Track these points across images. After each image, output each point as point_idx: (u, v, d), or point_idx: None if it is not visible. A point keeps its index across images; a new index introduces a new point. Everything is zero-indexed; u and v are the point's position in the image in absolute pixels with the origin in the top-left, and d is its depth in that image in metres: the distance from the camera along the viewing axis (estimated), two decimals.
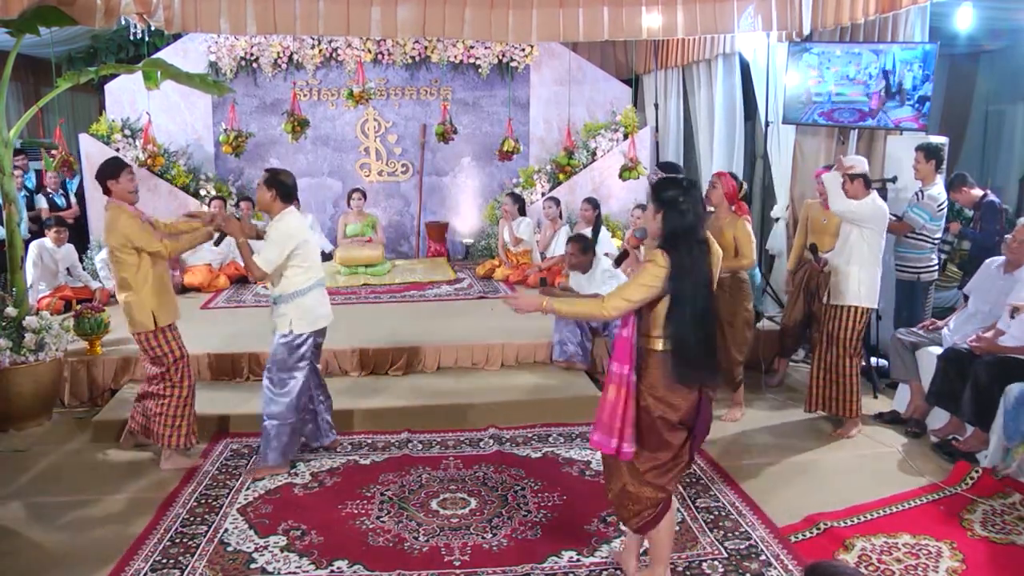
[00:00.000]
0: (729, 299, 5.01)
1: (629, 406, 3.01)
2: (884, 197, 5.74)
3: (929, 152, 5.53)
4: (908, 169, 5.74)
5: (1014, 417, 4.03)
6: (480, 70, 9.34)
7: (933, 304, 5.89)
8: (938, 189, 5.57)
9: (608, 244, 7.60)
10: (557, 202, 8.05)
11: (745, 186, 5.09)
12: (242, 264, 8.07)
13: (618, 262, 3.56)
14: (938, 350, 4.81)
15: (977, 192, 5.96)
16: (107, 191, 4.27)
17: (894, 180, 5.88)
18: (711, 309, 2.98)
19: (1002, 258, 4.81)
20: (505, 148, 8.74)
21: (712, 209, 5.06)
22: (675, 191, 2.98)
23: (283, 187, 4.26)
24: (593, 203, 7.55)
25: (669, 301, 2.93)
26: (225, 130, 8.51)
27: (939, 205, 5.53)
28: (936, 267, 5.74)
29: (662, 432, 3.01)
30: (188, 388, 4.44)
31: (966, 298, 5.17)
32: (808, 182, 6.56)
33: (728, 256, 4.90)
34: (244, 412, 5.01)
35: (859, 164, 4.77)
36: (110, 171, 4.26)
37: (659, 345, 2.98)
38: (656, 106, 9.39)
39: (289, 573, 3.38)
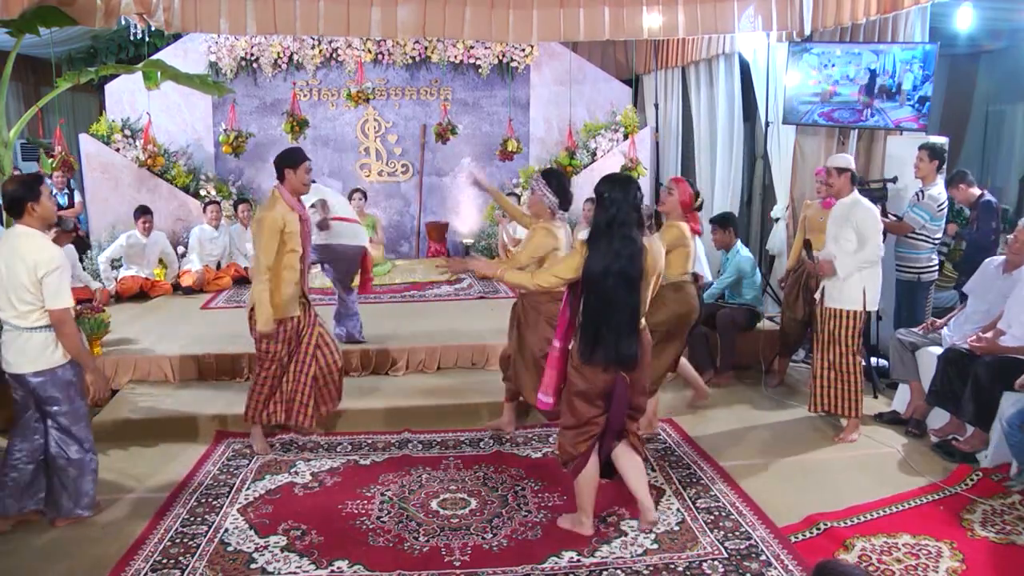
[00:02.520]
0: (662, 307, 4.51)
1: (559, 371, 3.55)
2: (884, 197, 5.75)
3: (933, 152, 5.53)
4: (909, 169, 5.74)
5: (1016, 442, 4.02)
6: (480, 70, 9.34)
7: (933, 304, 5.89)
8: (938, 189, 5.57)
9: None
10: None
11: (701, 198, 4.74)
12: (243, 265, 8.10)
13: None
14: (938, 350, 4.81)
15: (975, 191, 5.96)
16: (281, 177, 4.40)
17: (894, 180, 5.89)
18: (624, 301, 3.28)
19: (1001, 258, 4.81)
20: (508, 148, 8.73)
21: (666, 214, 4.72)
22: (604, 187, 3.31)
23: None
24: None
25: (581, 285, 3.31)
26: (225, 130, 8.52)
27: (939, 205, 5.53)
28: (936, 267, 5.74)
29: (573, 400, 3.45)
30: (271, 373, 4.52)
31: (964, 298, 5.16)
32: (808, 182, 6.57)
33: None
34: None
35: (846, 160, 4.78)
36: (291, 160, 4.39)
37: None
38: (656, 106, 9.40)
39: (289, 573, 3.37)
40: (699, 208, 4.74)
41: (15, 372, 3.61)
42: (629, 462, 3.62)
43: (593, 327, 3.31)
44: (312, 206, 5.62)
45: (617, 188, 3.24)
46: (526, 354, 4.43)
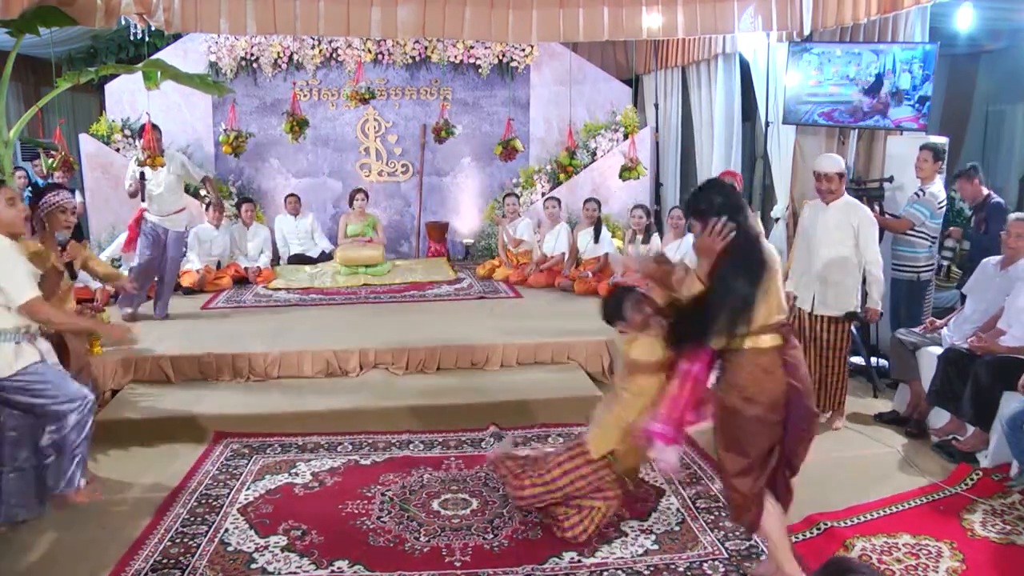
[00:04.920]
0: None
1: (692, 398, 3.08)
2: (881, 196, 5.74)
3: (936, 153, 5.57)
4: (908, 169, 5.74)
5: (1016, 442, 4.01)
6: (480, 70, 9.34)
7: (933, 304, 5.89)
8: (938, 187, 5.59)
9: (609, 242, 7.68)
10: (559, 201, 8.09)
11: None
12: (243, 265, 8.10)
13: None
14: (938, 350, 4.81)
15: (984, 189, 5.92)
16: None
17: (891, 180, 5.88)
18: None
19: (999, 257, 4.82)
20: (515, 146, 8.68)
21: None
22: (720, 197, 2.99)
23: None
24: (597, 203, 7.70)
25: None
26: (225, 130, 8.51)
27: (940, 203, 5.55)
28: (934, 265, 5.75)
29: (753, 433, 2.99)
30: None
31: (963, 298, 5.16)
32: (808, 182, 6.56)
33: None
34: (244, 412, 5.02)
35: (841, 164, 4.83)
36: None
37: (747, 343, 2.96)
38: (656, 106, 9.39)
39: (290, 573, 3.38)
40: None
41: None
42: (773, 509, 3.13)
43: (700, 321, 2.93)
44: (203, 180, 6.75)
45: (733, 196, 2.99)
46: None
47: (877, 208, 5.73)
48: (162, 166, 8.60)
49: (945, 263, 6.12)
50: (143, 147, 6.23)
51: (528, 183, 9.40)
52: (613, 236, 8.10)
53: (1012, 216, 4.79)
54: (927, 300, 5.77)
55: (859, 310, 4.76)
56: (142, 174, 6.40)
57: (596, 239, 7.61)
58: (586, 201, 7.79)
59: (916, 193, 5.61)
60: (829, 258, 4.73)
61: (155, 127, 6.36)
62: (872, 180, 5.92)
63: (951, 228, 5.87)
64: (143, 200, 6.53)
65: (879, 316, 4.84)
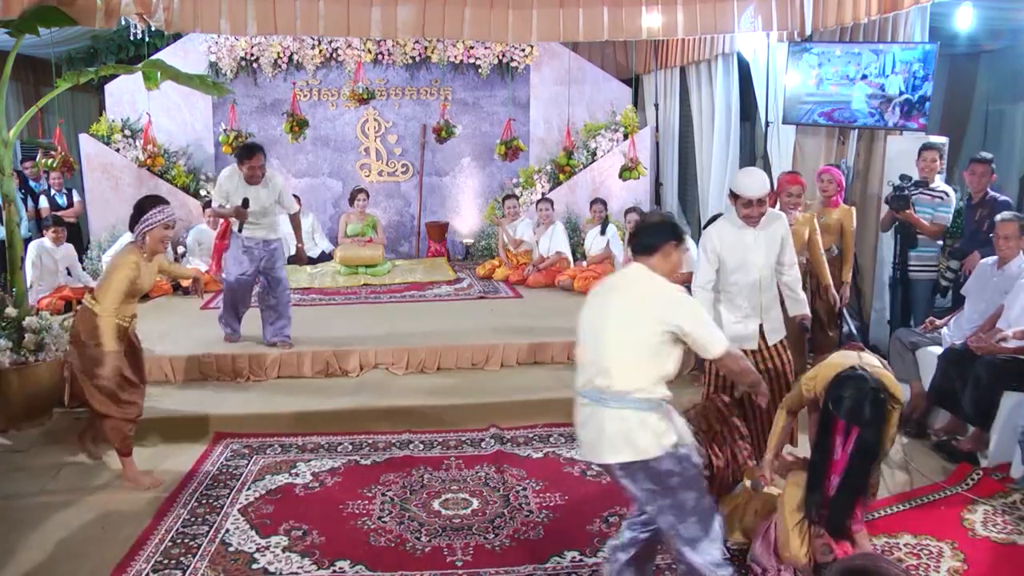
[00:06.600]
0: None
1: None
2: (912, 193, 5.60)
3: (942, 154, 5.62)
4: (907, 169, 5.74)
5: None
6: (480, 70, 9.34)
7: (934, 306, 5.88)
8: (943, 185, 5.62)
9: (614, 236, 7.75)
10: (550, 203, 8.15)
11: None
12: None
13: None
14: (938, 350, 4.81)
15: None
16: None
17: (910, 179, 5.75)
18: None
19: (995, 257, 4.83)
20: (515, 145, 8.68)
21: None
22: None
23: None
24: (603, 203, 7.90)
25: None
26: (225, 130, 8.52)
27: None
28: (938, 263, 5.77)
29: None
30: None
31: (962, 299, 5.16)
32: (809, 182, 6.56)
33: None
34: (244, 412, 5.01)
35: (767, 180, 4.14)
36: None
37: None
38: (656, 106, 9.39)
39: (291, 573, 3.38)
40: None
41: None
42: None
43: None
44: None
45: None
46: None
47: (911, 209, 5.52)
48: (160, 165, 8.61)
49: (945, 283, 5.96)
50: (246, 176, 5.60)
51: (528, 183, 9.40)
52: None
53: (998, 218, 4.79)
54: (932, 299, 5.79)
55: (805, 323, 4.25)
56: (245, 200, 5.59)
57: (603, 234, 7.77)
58: (593, 202, 7.93)
59: (937, 194, 5.56)
60: (766, 281, 4.03)
61: (261, 149, 5.67)
62: (904, 176, 5.67)
63: (966, 259, 5.44)
64: (239, 231, 5.75)
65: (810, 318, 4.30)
